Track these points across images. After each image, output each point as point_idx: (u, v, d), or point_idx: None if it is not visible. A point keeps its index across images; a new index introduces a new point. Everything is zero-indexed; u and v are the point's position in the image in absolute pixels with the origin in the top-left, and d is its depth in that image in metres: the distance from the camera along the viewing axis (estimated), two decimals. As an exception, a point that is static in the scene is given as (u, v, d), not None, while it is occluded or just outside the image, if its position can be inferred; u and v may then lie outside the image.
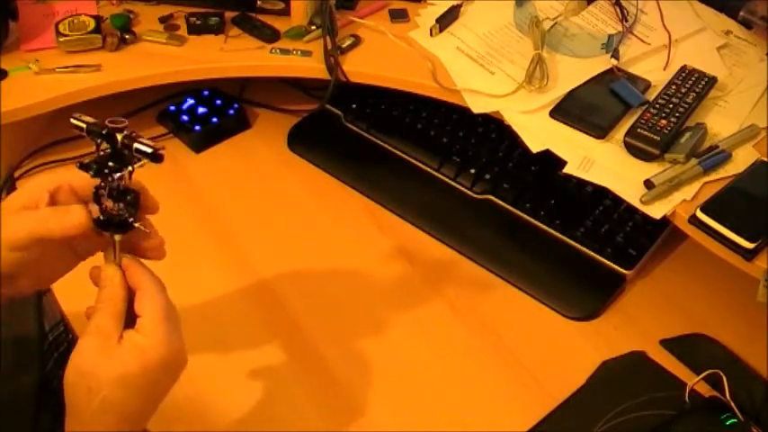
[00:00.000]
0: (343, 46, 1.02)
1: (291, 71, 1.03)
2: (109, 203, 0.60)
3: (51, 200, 0.62)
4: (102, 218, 0.60)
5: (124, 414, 0.58)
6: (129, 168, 0.60)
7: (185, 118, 1.09)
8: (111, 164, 0.59)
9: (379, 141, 1.07)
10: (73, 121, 0.60)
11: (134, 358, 0.58)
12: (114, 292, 0.60)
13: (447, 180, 1.02)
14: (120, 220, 0.61)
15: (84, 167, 0.59)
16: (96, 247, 0.64)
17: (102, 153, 0.60)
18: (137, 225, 0.61)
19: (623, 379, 0.82)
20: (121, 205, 0.60)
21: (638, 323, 0.88)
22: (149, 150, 0.58)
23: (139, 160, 0.59)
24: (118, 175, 0.59)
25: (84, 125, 0.60)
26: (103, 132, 0.59)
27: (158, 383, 0.59)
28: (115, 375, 0.57)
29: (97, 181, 0.61)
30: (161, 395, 0.61)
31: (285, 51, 1.02)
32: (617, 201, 0.91)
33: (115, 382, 0.57)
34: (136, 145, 0.59)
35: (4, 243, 0.59)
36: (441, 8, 1.07)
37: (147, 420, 0.61)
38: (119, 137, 0.59)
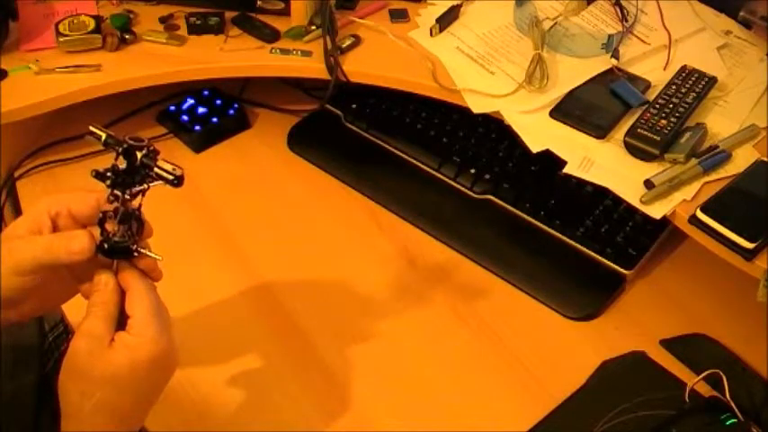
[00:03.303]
0: (343, 46, 1.02)
1: (291, 71, 1.03)
2: (114, 228, 0.60)
3: (53, 224, 0.62)
4: (105, 245, 0.60)
5: (116, 414, 0.59)
6: (145, 186, 0.59)
7: (185, 118, 1.09)
8: (127, 178, 0.59)
9: (379, 141, 1.07)
10: (92, 128, 0.60)
11: (124, 357, 0.58)
12: (107, 296, 0.60)
13: (447, 180, 1.02)
14: (123, 247, 0.60)
15: (99, 177, 0.59)
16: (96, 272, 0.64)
17: (117, 166, 0.59)
18: (142, 251, 0.61)
19: (623, 379, 0.82)
20: (126, 230, 0.60)
21: (638, 323, 0.88)
22: (170, 176, 0.58)
23: (156, 180, 0.59)
24: (135, 189, 0.59)
25: (103, 135, 0.60)
26: (122, 148, 0.59)
27: (148, 381, 0.60)
28: (107, 377, 0.58)
29: (96, 207, 0.61)
30: (153, 394, 0.61)
31: (285, 51, 1.02)
32: (617, 201, 0.91)
33: (107, 383, 0.58)
34: (157, 170, 0.58)
35: (11, 268, 0.59)
36: (441, 8, 1.07)
37: (142, 420, 0.62)
38: (138, 154, 0.59)
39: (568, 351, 0.86)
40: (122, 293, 0.61)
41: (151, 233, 0.64)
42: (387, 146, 1.06)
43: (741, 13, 1.03)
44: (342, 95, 1.08)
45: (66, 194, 0.63)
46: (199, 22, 1.04)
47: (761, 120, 0.92)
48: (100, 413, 0.58)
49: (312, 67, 1.01)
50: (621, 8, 1.05)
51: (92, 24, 1.00)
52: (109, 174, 0.59)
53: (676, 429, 0.76)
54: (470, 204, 1.00)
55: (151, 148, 0.59)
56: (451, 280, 0.93)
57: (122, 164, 0.59)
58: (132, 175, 0.59)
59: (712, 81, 0.94)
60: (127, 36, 1.01)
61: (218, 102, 1.11)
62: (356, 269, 0.93)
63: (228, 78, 1.05)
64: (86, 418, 0.58)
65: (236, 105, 1.11)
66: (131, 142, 0.59)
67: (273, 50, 1.02)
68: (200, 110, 1.10)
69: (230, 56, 1.01)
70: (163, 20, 1.06)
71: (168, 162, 0.59)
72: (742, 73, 0.99)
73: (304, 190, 1.03)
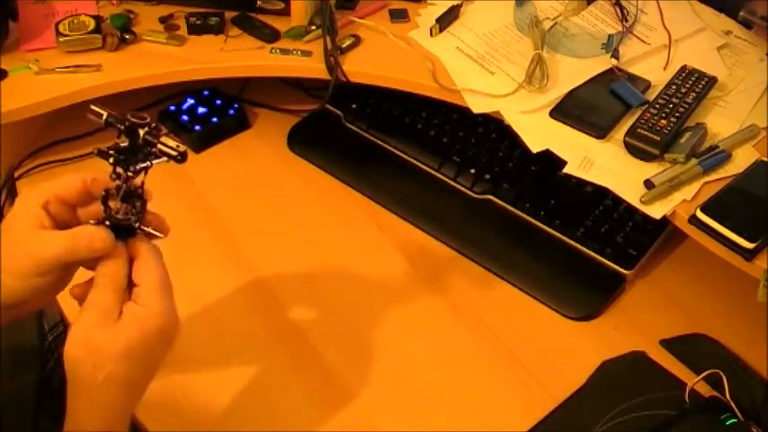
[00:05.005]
0: (343, 46, 1.02)
1: (291, 71, 1.03)
2: (117, 206, 0.60)
3: (48, 214, 0.61)
4: (108, 223, 0.60)
5: (128, 385, 0.59)
6: (148, 164, 0.59)
7: (185, 118, 1.09)
8: (129, 156, 0.59)
9: (379, 141, 1.07)
10: (93, 107, 0.60)
11: (135, 330, 0.58)
12: (117, 268, 0.60)
13: (447, 180, 1.02)
14: (126, 225, 0.61)
15: (101, 155, 0.59)
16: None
17: (119, 144, 0.59)
18: (145, 229, 0.62)
19: (623, 379, 0.82)
20: (129, 208, 0.60)
21: (638, 323, 0.88)
22: (174, 152, 0.58)
23: (160, 157, 0.59)
24: (139, 166, 0.59)
25: (104, 113, 0.60)
26: (123, 126, 0.58)
27: (156, 351, 0.60)
28: (119, 350, 0.58)
29: (83, 186, 0.61)
30: (158, 363, 0.62)
31: (285, 51, 1.02)
32: (617, 201, 0.91)
33: (119, 356, 0.58)
34: (161, 146, 0.58)
35: (32, 270, 0.59)
36: (441, 8, 1.07)
37: (146, 389, 0.62)
38: (140, 132, 0.58)
39: (568, 351, 0.86)
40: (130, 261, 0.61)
41: (151, 197, 0.63)
42: (387, 146, 1.06)
43: (741, 13, 1.03)
44: (342, 95, 1.08)
45: (48, 182, 0.63)
46: (199, 22, 1.04)
47: (761, 120, 0.92)
48: (113, 385, 0.58)
49: (312, 67, 1.01)
50: (621, 8, 1.05)
51: (92, 24, 1.00)
52: (111, 152, 0.59)
53: (676, 429, 0.76)
54: (470, 204, 1.00)
55: (153, 125, 0.59)
56: (451, 280, 0.93)
57: (125, 142, 0.59)
58: (135, 153, 0.59)
59: (712, 81, 0.94)
60: (127, 36, 1.01)
61: (218, 102, 1.11)
62: (356, 269, 0.93)
63: (228, 78, 1.05)
64: (99, 390, 0.58)
65: (236, 105, 1.11)
66: (133, 120, 0.58)
67: (273, 50, 1.02)
68: (200, 110, 1.10)
69: (230, 56, 1.01)
70: (163, 20, 1.06)
71: (172, 138, 0.59)
72: (742, 73, 0.99)
73: (304, 190, 1.03)
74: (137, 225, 0.61)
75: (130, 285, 0.61)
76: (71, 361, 0.58)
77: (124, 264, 0.61)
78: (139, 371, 0.60)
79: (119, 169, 0.59)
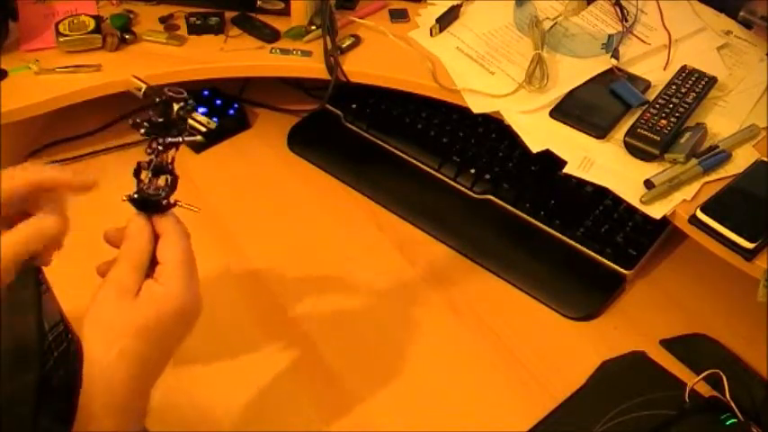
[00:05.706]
0: (343, 46, 1.02)
1: (291, 71, 1.03)
2: (148, 180, 0.61)
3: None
4: (137, 197, 0.61)
5: (142, 365, 0.58)
6: (180, 139, 0.60)
7: (185, 118, 1.09)
8: (162, 129, 0.60)
9: (379, 141, 1.07)
10: (133, 79, 0.61)
11: (151, 309, 0.58)
12: (140, 245, 0.60)
13: (447, 180, 1.02)
14: (154, 201, 0.61)
15: (135, 126, 0.60)
16: None
17: (153, 118, 0.60)
18: (180, 204, 0.62)
19: (623, 379, 0.82)
20: (159, 184, 0.61)
21: (638, 323, 0.88)
22: (204, 128, 0.59)
23: (192, 134, 0.60)
24: (169, 141, 0.60)
25: (143, 86, 0.61)
26: (160, 99, 0.60)
27: (173, 333, 0.60)
28: (133, 327, 0.57)
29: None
30: (175, 345, 0.61)
31: (285, 51, 1.02)
32: (617, 201, 0.91)
33: (133, 333, 0.57)
34: (192, 121, 0.60)
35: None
36: (441, 8, 1.07)
37: (162, 371, 0.61)
38: (175, 107, 0.59)
39: (568, 351, 0.86)
40: (155, 238, 0.61)
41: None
42: (387, 146, 1.06)
43: (741, 13, 1.03)
44: (342, 95, 1.08)
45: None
46: (199, 22, 1.04)
47: (761, 120, 0.92)
48: (125, 363, 0.57)
49: (312, 67, 1.01)
50: (621, 8, 1.05)
51: (92, 24, 1.00)
52: (145, 123, 0.60)
53: (676, 429, 0.76)
54: (470, 204, 1.00)
55: (189, 101, 0.60)
56: (451, 280, 0.93)
57: (158, 118, 0.60)
58: (167, 128, 0.60)
59: (712, 81, 0.94)
60: (127, 36, 1.01)
61: (218, 102, 1.11)
62: (356, 269, 0.93)
63: (228, 78, 1.05)
64: (110, 366, 0.57)
65: (236, 105, 1.11)
66: (170, 93, 0.60)
67: (273, 50, 1.02)
68: (200, 110, 1.09)
69: (230, 56, 1.01)
70: (163, 20, 1.06)
71: (204, 116, 0.60)
72: (742, 73, 0.99)
73: (304, 190, 1.03)
74: (164, 202, 0.61)
75: (155, 263, 0.60)
76: (86, 336, 0.57)
77: (148, 241, 0.60)
78: (156, 351, 0.58)
79: (153, 144, 0.60)
